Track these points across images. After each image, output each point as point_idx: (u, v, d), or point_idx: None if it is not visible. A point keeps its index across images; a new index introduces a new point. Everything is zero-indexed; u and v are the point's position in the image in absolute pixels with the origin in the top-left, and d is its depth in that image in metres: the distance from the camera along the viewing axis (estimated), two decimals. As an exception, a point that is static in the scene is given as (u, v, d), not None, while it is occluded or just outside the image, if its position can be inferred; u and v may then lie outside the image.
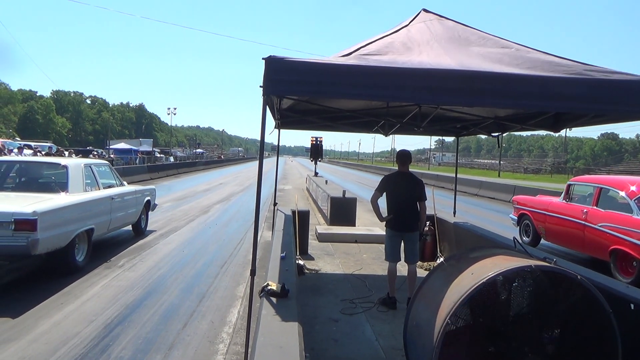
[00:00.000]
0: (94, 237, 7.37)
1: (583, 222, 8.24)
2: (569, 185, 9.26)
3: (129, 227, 9.68)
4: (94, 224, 7.32)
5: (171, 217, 12.54)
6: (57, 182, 7.29)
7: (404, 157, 5.74)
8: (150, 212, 10.59)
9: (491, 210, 17.81)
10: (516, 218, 10.78)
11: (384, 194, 5.59)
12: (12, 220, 5.64)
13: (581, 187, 9.05)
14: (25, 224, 5.67)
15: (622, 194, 7.66)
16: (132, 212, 9.23)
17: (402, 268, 5.74)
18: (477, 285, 2.77)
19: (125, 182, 9.63)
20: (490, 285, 2.82)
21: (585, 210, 8.28)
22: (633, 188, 7.53)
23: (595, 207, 8.12)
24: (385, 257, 5.71)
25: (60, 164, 7.62)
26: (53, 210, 6.19)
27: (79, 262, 6.91)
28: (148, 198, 10.25)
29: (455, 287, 2.93)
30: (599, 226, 7.85)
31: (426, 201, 5.64)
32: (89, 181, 7.71)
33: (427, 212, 5.77)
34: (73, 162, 7.81)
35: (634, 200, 7.35)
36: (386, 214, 5.60)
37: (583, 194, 8.81)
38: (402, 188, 5.54)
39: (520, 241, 9.90)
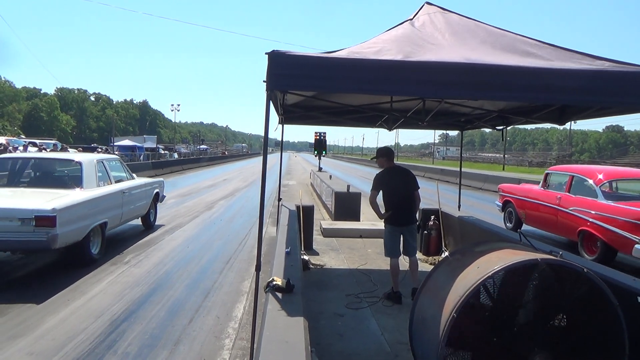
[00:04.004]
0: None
1: (556, 207, 9.17)
2: (547, 174, 10.16)
3: (133, 224, 9.72)
4: (107, 217, 7.56)
5: (176, 213, 12.58)
6: (71, 178, 7.53)
7: (390, 152, 5.87)
8: (157, 204, 10.74)
9: (496, 204, 17.71)
10: (501, 205, 11.62)
11: (380, 192, 5.64)
12: (33, 216, 5.87)
13: (557, 175, 9.94)
14: (45, 220, 5.89)
15: (590, 181, 8.56)
16: (142, 204, 9.47)
17: (403, 261, 5.74)
18: (482, 279, 2.76)
19: (134, 175, 9.80)
20: (496, 279, 2.82)
21: (559, 196, 9.20)
22: (600, 176, 8.51)
23: (567, 194, 9.03)
24: (385, 253, 5.71)
25: (74, 160, 7.84)
26: (70, 207, 6.40)
27: (95, 255, 7.18)
28: (157, 190, 10.50)
29: (461, 281, 2.92)
30: (570, 210, 8.74)
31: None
32: (101, 175, 7.95)
33: (432, 207, 5.79)
34: (86, 158, 8.00)
35: (600, 186, 8.30)
36: (384, 211, 5.65)
37: (559, 182, 9.64)
38: (397, 183, 5.62)
39: (506, 227, 9.98)
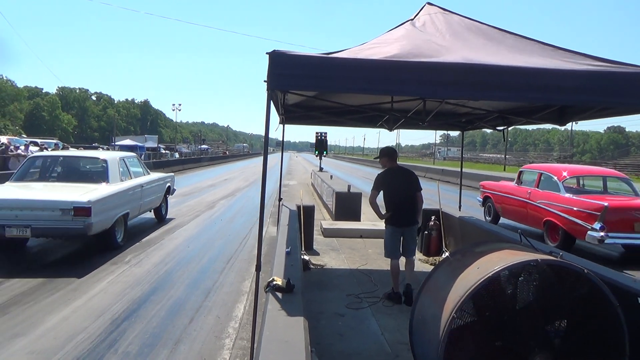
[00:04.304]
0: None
1: (527, 201, 10.26)
2: (520, 172, 11.33)
3: (136, 221, 9.75)
4: (129, 209, 8.53)
5: (177, 212, 12.58)
6: (98, 173, 8.47)
7: (393, 153, 5.82)
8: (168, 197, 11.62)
9: (477, 199, 17.67)
10: (482, 200, 12.73)
11: (380, 192, 5.61)
12: (72, 207, 6.81)
13: (529, 173, 11.00)
14: (83, 210, 6.85)
15: (555, 178, 9.65)
16: (156, 197, 10.50)
17: (404, 261, 5.74)
18: (483, 279, 2.76)
19: (149, 171, 10.70)
20: (496, 280, 2.82)
21: (529, 191, 10.27)
22: (564, 173, 9.71)
23: (536, 189, 10.08)
24: (385, 254, 5.69)
25: (99, 158, 8.85)
26: (102, 199, 7.36)
27: (119, 242, 8.11)
28: (169, 184, 11.57)
29: (461, 281, 2.92)
30: (538, 203, 9.81)
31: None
32: (123, 171, 8.90)
33: (433, 207, 5.77)
34: (111, 156, 8.98)
35: (562, 182, 9.43)
36: (384, 212, 5.62)
37: (531, 179, 10.67)
38: (398, 183, 5.59)
39: (485, 220, 10.50)
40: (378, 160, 5.89)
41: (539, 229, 9.83)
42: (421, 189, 5.68)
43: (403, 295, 5.45)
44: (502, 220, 11.73)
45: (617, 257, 9.17)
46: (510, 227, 10.17)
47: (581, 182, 10.22)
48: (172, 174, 13.13)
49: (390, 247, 5.58)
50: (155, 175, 10.76)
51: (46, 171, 8.58)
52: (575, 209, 8.69)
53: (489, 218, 12.00)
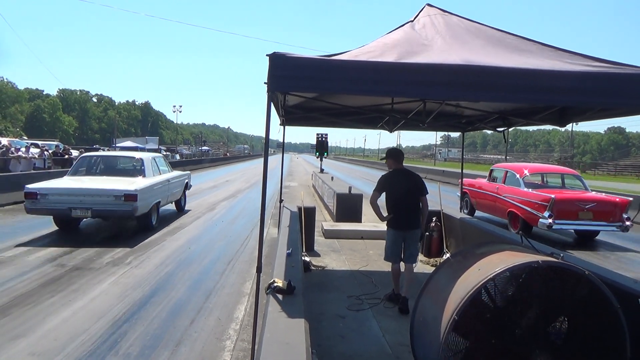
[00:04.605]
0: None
1: (495, 195, 11.77)
2: (491, 170, 12.85)
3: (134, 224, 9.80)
4: (160, 198, 10.55)
5: (178, 213, 12.59)
6: (136, 169, 10.64)
7: (399, 154, 5.69)
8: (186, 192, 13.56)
9: (457, 195, 17.62)
10: (460, 195, 13.59)
11: (383, 193, 5.49)
12: (123, 194, 8.87)
13: (498, 171, 12.49)
14: (131, 197, 8.90)
15: (517, 175, 11.20)
16: (178, 191, 12.55)
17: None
18: (483, 281, 2.77)
19: (172, 169, 12.72)
20: (497, 282, 2.82)
21: (497, 186, 11.81)
22: (526, 171, 11.27)
23: (503, 184, 11.61)
24: (385, 257, 5.57)
25: (136, 157, 11.18)
26: (144, 188, 9.41)
27: (154, 225, 10.18)
28: (187, 180, 13.55)
29: (462, 283, 2.92)
30: (504, 196, 11.31)
31: (428, 195, 5.55)
32: (154, 168, 10.92)
33: (434, 208, 5.71)
34: (145, 155, 11.30)
35: (522, 178, 11.03)
36: (386, 213, 5.51)
37: (499, 176, 12.12)
38: (401, 185, 5.45)
39: (464, 213, 10.65)
40: (384, 161, 5.77)
41: (504, 219, 11.22)
42: (427, 193, 5.51)
43: (399, 305, 5.34)
44: (477, 213, 13.07)
45: (571, 242, 10.71)
46: (484, 218, 11.14)
47: (545, 179, 11.98)
48: (189, 172, 14.96)
49: (390, 251, 5.46)
50: (176, 173, 12.74)
51: (94, 167, 10.69)
52: (530, 200, 10.25)
53: (466, 211, 13.11)
